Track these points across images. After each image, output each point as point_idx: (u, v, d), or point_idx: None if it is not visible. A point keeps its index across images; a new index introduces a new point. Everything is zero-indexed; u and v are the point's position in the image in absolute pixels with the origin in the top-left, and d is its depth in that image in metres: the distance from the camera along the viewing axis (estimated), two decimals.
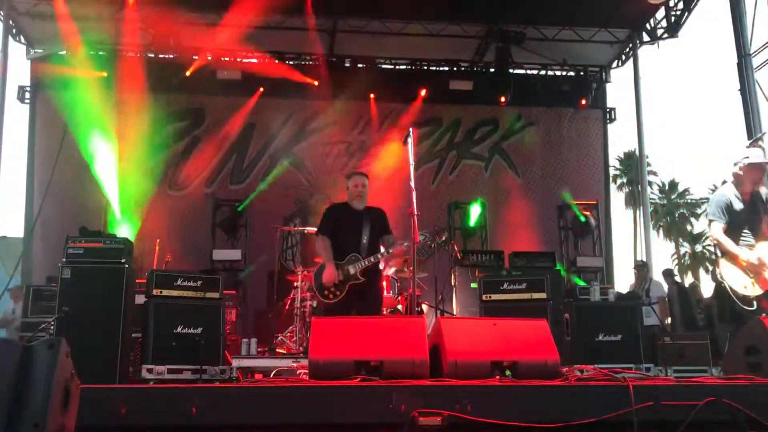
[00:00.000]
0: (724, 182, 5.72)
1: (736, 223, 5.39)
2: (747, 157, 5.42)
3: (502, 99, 12.23)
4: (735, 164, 5.45)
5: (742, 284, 5.25)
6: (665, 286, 10.32)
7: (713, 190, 5.93)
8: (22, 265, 11.19)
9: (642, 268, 10.33)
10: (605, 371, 3.92)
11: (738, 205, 5.39)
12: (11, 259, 11.82)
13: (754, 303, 5.23)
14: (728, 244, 5.32)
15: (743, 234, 5.40)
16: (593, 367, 4.47)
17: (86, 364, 3.50)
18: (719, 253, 5.45)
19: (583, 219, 11.59)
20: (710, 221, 5.51)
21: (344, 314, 5.41)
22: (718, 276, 5.38)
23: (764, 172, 5.51)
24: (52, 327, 5.23)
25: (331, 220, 6.08)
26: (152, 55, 11.53)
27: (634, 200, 38.86)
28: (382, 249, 5.95)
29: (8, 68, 11.42)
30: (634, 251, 35.98)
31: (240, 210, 11.15)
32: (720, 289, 5.42)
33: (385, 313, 7.22)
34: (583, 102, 12.79)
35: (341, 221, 6.01)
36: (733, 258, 5.31)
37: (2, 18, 11.15)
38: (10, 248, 12.27)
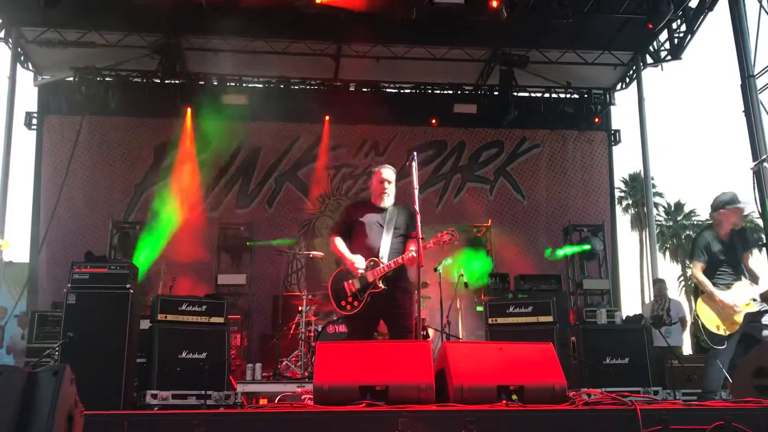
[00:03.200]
0: (709, 225, 6.08)
1: (714, 263, 5.75)
2: (724, 202, 5.78)
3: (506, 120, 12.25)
4: (714, 209, 5.84)
5: (714, 324, 5.60)
6: (684, 305, 10.13)
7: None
8: (27, 290, 11.21)
9: (661, 285, 10.00)
10: (613, 395, 3.88)
11: (716, 246, 5.77)
12: (17, 284, 11.83)
13: (725, 342, 5.58)
14: (706, 283, 5.69)
15: (721, 273, 5.74)
16: (600, 391, 4.43)
17: (91, 390, 3.50)
18: (700, 292, 5.80)
19: (588, 247, 11.53)
20: (692, 261, 5.90)
21: (365, 326, 5.15)
22: (694, 313, 5.80)
23: (741, 214, 5.83)
24: (56, 353, 5.23)
25: (346, 220, 5.47)
26: (158, 81, 11.61)
27: (639, 222, 38.76)
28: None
29: (16, 94, 11.53)
30: (640, 273, 35.81)
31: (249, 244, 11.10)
32: (695, 324, 5.92)
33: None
34: (597, 120, 12.74)
35: (360, 221, 5.36)
36: (710, 297, 5.65)
37: (10, 45, 11.29)
38: (15, 274, 12.29)
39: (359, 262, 5.10)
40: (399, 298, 5.22)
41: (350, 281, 5.14)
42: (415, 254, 5.01)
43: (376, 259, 5.15)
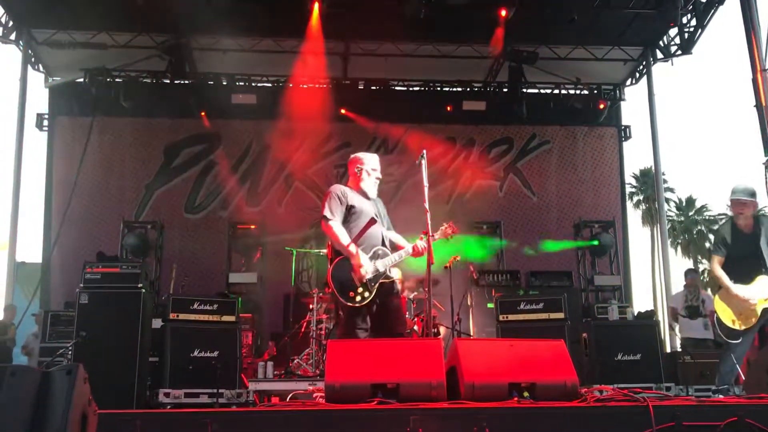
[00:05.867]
0: (729, 218, 6.00)
1: (732, 257, 5.64)
2: (733, 193, 5.69)
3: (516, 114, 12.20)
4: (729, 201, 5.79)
5: (730, 318, 5.51)
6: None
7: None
8: (40, 290, 11.29)
9: (694, 275, 9.72)
10: (625, 391, 3.87)
11: (734, 239, 5.64)
12: (30, 284, 11.91)
13: (740, 337, 5.49)
14: (722, 278, 5.58)
15: (742, 266, 5.59)
16: (612, 387, 4.41)
17: (104, 389, 3.52)
18: (718, 286, 5.71)
19: (596, 243, 11.49)
20: (710, 255, 5.82)
21: (373, 318, 4.81)
22: (711, 308, 5.81)
23: (747, 206, 5.66)
24: (69, 352, 5.26)
25: (341, 206, 4.96)
26: (168, 81, 11.66)
27: (651, 218, 38.56)
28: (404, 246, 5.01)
29: (27, 96, 11.61)
30: (652, 269, 35.65)
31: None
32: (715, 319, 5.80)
33: None
34: (602, 106, 12.61)
35: (357, 209, 4.97)
36: (726, 291, 5.55)
37: (21, 47, 11.36)
38: (28, 274, 12.37)
39: (366, 265, 4.75)
40: (397, 288, 5.03)
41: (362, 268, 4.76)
42: (423, 246, 4.87)
43: (384, 248, 4.91)
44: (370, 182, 5.11)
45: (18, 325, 11.03)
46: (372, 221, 4.96)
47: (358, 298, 4.74)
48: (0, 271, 12.69)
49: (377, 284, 4.78)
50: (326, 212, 4.93)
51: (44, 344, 8.35)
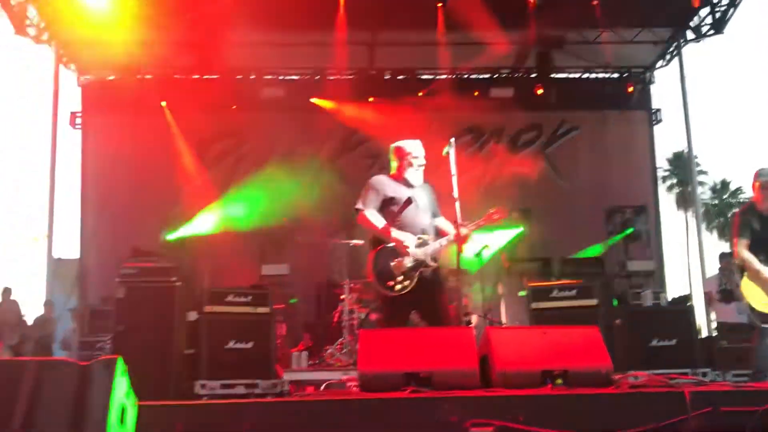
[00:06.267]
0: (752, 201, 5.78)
1: (757, 241, 5.49)
2: (761, 175, 5.51)
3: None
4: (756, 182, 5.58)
5: (762, 301, 5.36)
6: None
7: None
8: (78, 285, 11.53)
9: (729, 259, 9.58)
10: (660, 377, 3.84)
11: (758, 223, 5.50)
12: (67, 280, 12.18)
13: None
14: (752, 260, 5.42)
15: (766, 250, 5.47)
16: (647, 374, 4.37)
17: (141, 381, 3.59)
18: (744, 270, 5.54)
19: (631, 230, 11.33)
20: (734, 240, 5.63)
21: (411, 308, 4.79)
22: (740, 292, 5.54)
23: (764, 188, 5.51)
24: (108, 346, 5.38)
25: (377, 195, 4.96)
26: (197, 76, 11.77)
27: (684, 201, 37.96)
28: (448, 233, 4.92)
29: (60, 95, 11.83)
30: (687, 253, 35.12)
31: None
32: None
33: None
34: (630, 90, 12.41)
35: (394, 197, 4.94)
36: (755, 274, 5.41)
37: (53, 47, 11.55)
38: (66, 270, 12.64)
39: (408, 239, 4.72)
40: (440, 278, 4.96)
41: (399, 259, 4.73)
42: (466, 232, 4.77)
43: (425, 237, 4.84)
44: (413, 170, 5.05)
45: (57, 320, 11.31)
46: (408, 203, 4.88)
47: (398, 287, 4.69)
48: (38, 268, 13.01)
49: (418, 273, 4.70)
50: (358, 204, 4.95)
51: (83, 338, 8.53)
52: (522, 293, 8.72)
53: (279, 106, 11.88)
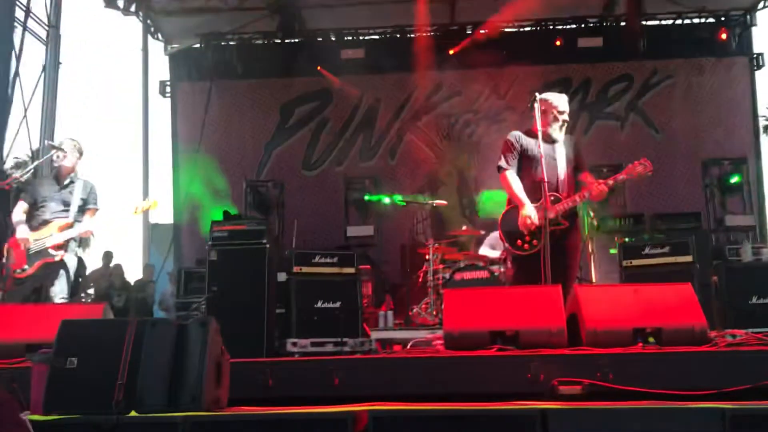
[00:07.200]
0: None
1: None
2: None
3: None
4: None
5: None
6: None
7: None
8: (173, 249, 12.04)
9: None
10: (759, 335, 3.68)
11: None
12: (164, 244, 12.73)
13: None
14: None
15: None
16: (745, 332, 4.19)
17: (235, 340, 3.73)
18: None
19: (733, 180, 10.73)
20: None
21: (538, 268, 4.65)
22: None
23: None
24: (203, 306, 5.59)
25: (515, 153, 5.07)
26: (278, 41, 11.90)
27: None
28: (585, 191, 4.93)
29: (149, 65, 12.23)
30: None
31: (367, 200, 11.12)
32: None
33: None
34: (723, 36, 11.69)
35: (532, 154, 4.99)
36: None
37: (141, 18, 11.91)
38: (161, 234, 13.22)
39: (532, 214, 4.78)
40: (573, 234, 5.02)
41: (524, 219, 4.82)
42: (604, 185, 4.83)
43: (557, 194, 4.88)
44: (557, 125, 5.06)
45: (155, 282, 11.88)
46: (544, 159, 4.82)
47: (526, 246, 4.82)
48: (137, 233, 13.65)
49: (548, 231, 4.70)
50: (501, 162, 5.10)
51: (179, 300, 8.91)
52: (613, 251, 8.49)
53: (360, 67, 11.85)
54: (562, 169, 4.97)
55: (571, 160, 5.09)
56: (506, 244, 4.98)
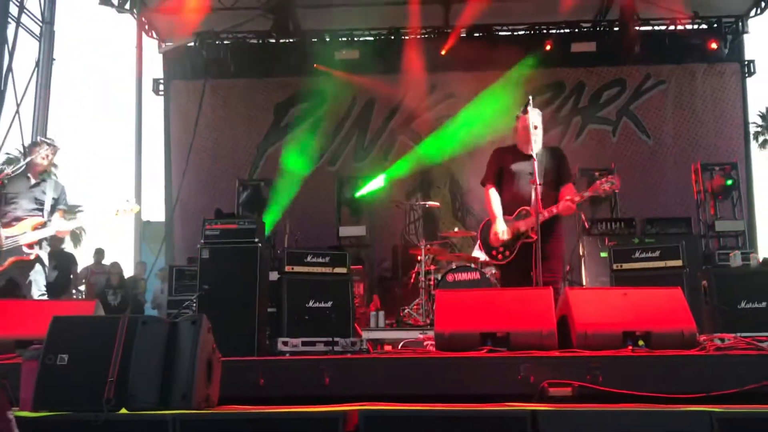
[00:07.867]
0: None
1: None
2: None
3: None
4: None
5: None
6: None
7: None
8: (165, 247, 12.01)
9: None
10: (748, 340, 3.71)
11: None
12: (155, 242, 12.69)
13: None
14: None
15: None
16: (734, 336, 4.23)
17: (226, 338, 3.73)
18: None
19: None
20: None
21: (516, 275, 5.10)
22: None
23: None
24: (194, 304, 5.58)
25: (496, 169, 5.46)
26: (273, 41, 11.90)
27: None
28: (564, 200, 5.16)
29: (143, 62, 12.19)
30: None
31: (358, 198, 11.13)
32: None
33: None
34: (714, 46, 11.78)
35: (509, 170, 5.35)
36: None
37: (135, 16, 11.87)
38: (153, 232, 13.19)
39: (501, 232, 5.16)
40: (551, 244, 5.21)
41: (495, 233, 5.22)
42: (570, 202, 5.09)
43: (528, 208, 5.16)
44: (525, 140, 5.27)
45: (147, 280, 11.84)
46: (515, 175, 5.28)
47: (500, 257, 5.22)
48: (129, 230, 13.61)
49: (519, 244, 5.11)
50: (483, 177, 5.52)
51: (171, 297, 8.89)
52: (603, 254, 8.53)
53: (354, 67, 11.86)
54: (533, 184, 5.09)
55: (549, 172, 5.31)
56: (484, 253, 5.44)
